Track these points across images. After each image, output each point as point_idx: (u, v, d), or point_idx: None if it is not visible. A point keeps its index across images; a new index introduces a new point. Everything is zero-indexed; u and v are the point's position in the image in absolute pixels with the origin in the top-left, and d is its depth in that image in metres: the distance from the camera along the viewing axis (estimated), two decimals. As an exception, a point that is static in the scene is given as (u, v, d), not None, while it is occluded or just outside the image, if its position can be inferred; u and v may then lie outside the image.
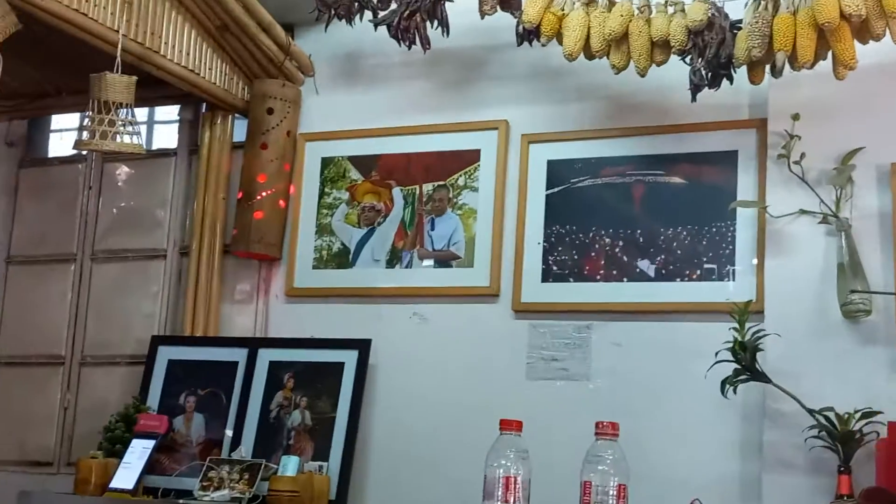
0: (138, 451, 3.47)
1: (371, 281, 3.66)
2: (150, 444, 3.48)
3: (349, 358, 3.50)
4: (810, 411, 2.81)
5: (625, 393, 3.24)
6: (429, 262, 3.61)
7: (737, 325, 2.84)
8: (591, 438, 2.30)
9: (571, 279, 3.40)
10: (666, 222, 3.32)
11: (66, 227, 4.15)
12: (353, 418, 3.40)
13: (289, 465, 3.28)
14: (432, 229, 3.63)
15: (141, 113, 4.06)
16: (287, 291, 3.79)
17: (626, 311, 3.30)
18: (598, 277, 3.36)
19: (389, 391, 3.54)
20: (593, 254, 3.38)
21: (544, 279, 3.43)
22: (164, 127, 4.33)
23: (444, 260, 3.59)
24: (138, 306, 3.98)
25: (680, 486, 2.85)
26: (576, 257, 3.40)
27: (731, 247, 3.22)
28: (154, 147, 4.24)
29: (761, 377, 2.86)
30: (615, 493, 2.03)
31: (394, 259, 3.65)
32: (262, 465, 3.31)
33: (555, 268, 3.42)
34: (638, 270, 3.31)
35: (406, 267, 3.63)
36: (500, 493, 2.08)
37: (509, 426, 2.14)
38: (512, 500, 2.10)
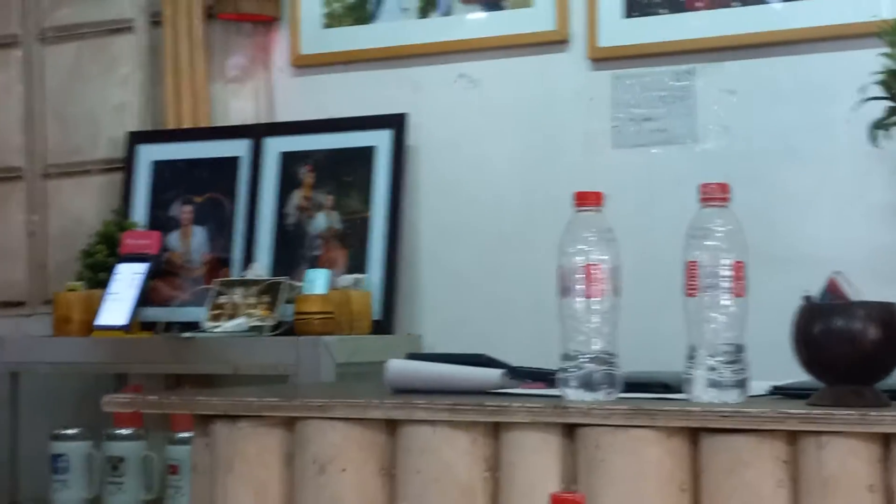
0: (127, 279, 3.56)
1: (401, 37, 3.62)
2: (142, 268, 3.57)
3: (381, 140, 3.52)
4: None
5: (743, 155, 3.23)
6: (473, 6, 3.54)
7: (888, 50, 2.76)
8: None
9: (664, 10, 3.33)
10: (788, -80, 3.21)
11: (1, 2, 4.12)
12: (393, 216, 3.46)
13: (317, 281, 3.34)
14: (474, -41, 3.55)
15: None
16: (293, 61, 3.77)
17: (740, 45, 3.25)
18: (701, 5, 3.29)
19: (436, 178, 3.56)
20: (692, -27, 3.30)
21: (628, 13, 3.36)
22: None
23: (492, 1, 3.52)
24: (105, 96, 3.97)
25: (816, 264, 2.83)
26: (669, -20, 3.33)
27: (877, -56, 3.11)
28: None
29: (924, 116, 2.81)
30: (731, 272, 2.01)
31: (427, 5, 3.60)
32: (284, 284, 3.39)
33: (641, -3, 3.35)
34: (753, -10, 3.24)
35: (444, 14, 3.58)
36: (580, 286, 2.08)
37: (586, 200, 2.12)
38: (599, 295, 2.09)
